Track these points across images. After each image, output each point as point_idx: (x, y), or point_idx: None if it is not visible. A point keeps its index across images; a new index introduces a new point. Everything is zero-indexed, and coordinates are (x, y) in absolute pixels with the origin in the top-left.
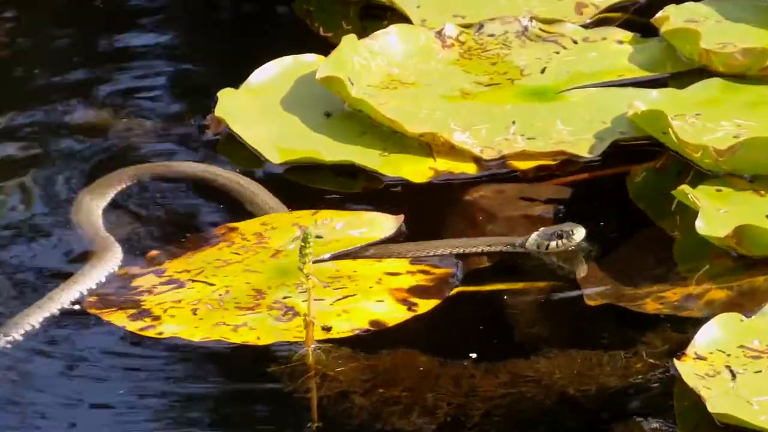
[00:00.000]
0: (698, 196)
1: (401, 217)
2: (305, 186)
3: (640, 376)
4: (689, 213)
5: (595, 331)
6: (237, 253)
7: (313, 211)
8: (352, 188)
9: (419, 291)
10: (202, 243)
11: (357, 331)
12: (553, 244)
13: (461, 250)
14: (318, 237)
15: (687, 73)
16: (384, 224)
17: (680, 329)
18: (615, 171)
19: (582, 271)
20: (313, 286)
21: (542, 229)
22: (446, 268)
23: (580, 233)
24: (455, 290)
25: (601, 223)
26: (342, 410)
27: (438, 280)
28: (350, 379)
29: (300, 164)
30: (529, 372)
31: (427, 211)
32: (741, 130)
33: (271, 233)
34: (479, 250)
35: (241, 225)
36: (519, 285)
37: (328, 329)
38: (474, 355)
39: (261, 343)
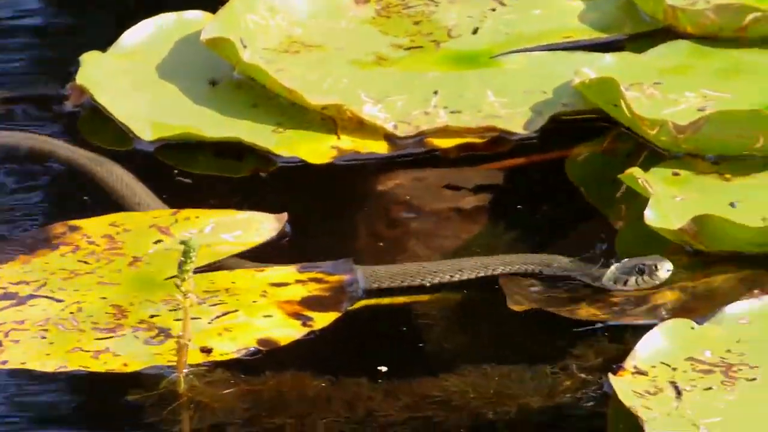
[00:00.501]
0: (650, 180)
1: (284, 216)
2: (181, 170)
3: (568, 395)
4: (640, 200)
5: (517, 342)
6: (86, 262)
7: (173, 210)
8: (237, 172)
9: (313, 303)
10: (38, 245)
11: (242, 353)
12: (632, 280)
13: (515, 269)
14: (183, 243)
15: (649, 34)
16: (262, 226)
17: (619, 339)
18: (556, 155)
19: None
20: (191, 305)
21: (624, 260)
22: (341, 274)
23: (665, 269)
24: (360, 303)
25: (536, 214)
26: None
27: (333, 289)
28: (228, 408)
29: (177, 142)
30: (437, 392)
31: (330, 203)
32: (708, 103)
33: (125, 237)
34: (538, 270)
35: (85, 224)
36: (433, 295)
37: (208, 351)
38: (384, 368)
39: (129, 370)
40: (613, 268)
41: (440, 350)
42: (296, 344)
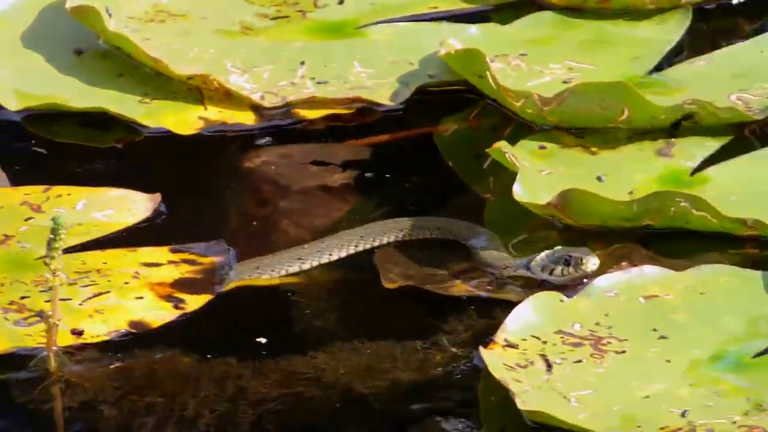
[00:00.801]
0: (517, 154)
1: (158, 196)
2: (48, 139)
3: (439, 369)
4: (507, 174)
5: (389, 320)
6: None
7: (45, 186)
8: (103, 142)
9: (186, 285)
10: None
11: (113, 335)
12: (558, 270)
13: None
14: (52, 220)
15: (514, 5)
16: (135, 205)
17: (490, 314)
18: (423, 130)
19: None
20: (61, 284)
21: (555, 249)
22: (214, 256)
23: (591, 263)
24: (232, 285)
25: (405, 188)
26: (87, 422)
27: (206, 271)
28: (98, 387)
29: (43, 112)
30: (308, 369)
31: (199, 178)
32: (572, 74)
33: None
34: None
35: None
36: (307, 275)
37: (79, 333)
38: (263, 340)
39: None
40: (543, 254)
41: (312, 329)
42: (169, 324)
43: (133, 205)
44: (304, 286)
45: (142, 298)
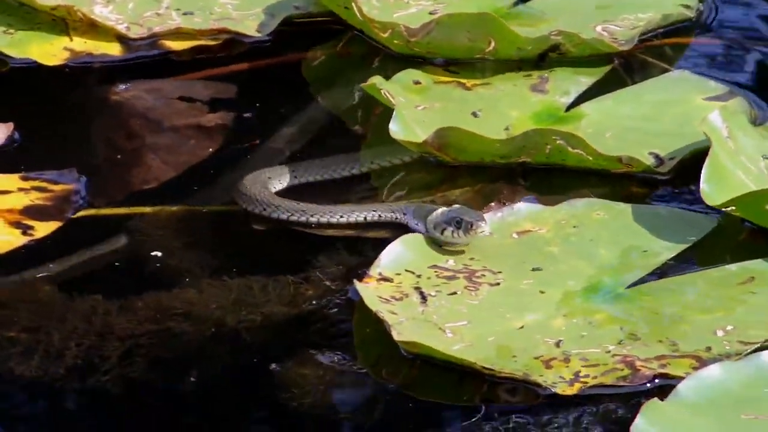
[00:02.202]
0: (392, 90)
1: (10, 126)
2: None
3: (313, 303)
4: (378, 105)
5: (259, 256)
6: None
7: None
8: None
9: (35, 212)
10: None
11: None
12: (448, 231)
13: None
14: None
15: None
16: None
17: (362, 252)
18: (290, 58)
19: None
20: None
21: (453, 208)
22: (67, 183)
23: (480, 229)
24: (82, 213)
25: (274, 122)
26: None
27: (57, 198)
28: None
29: None
30: (176, 304)
31: (64, 109)
32: (438, 6)
33: None
34: (362, 218)
35: None
36: (160, 208)
37: None
38: (158, 254)
39: None
40: (439, 211)
41: (173, 266)
42: (24, 253)
43: None
44: (164, 220)
45: None
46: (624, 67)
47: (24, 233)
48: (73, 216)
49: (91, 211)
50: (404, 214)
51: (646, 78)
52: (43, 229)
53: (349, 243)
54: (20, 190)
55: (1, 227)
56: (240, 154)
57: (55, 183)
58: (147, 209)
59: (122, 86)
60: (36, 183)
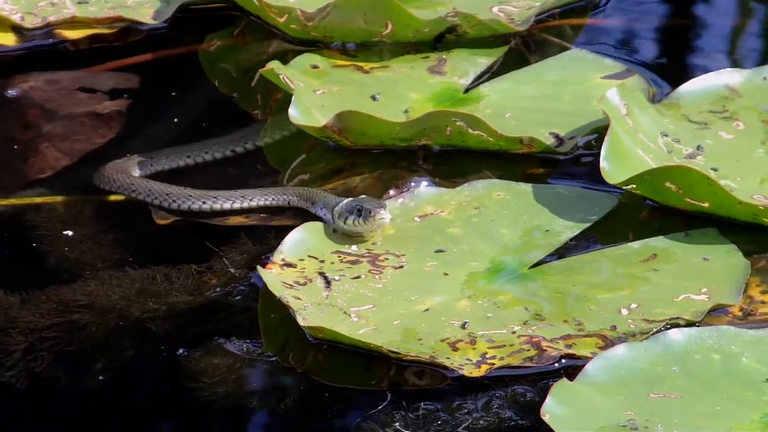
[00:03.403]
0: (290, 74)
1: None
2: None
3: (218, 290)
4: (276, 91)
5: (161, 249)
6: None
7: None
8: None
9: None
10: None
11: None
12: (350, 219)
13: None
14: None
15: None
16: None
17: (265, 240)
18: (185, 49)
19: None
20: None
21: (359, 198)
22: None
23: (379, 217)
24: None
25: (172, 110)
26: None
27: None
28: None
29: None
30: (79, 297)
31: None
32: None
33: None
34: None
35: None
36: (52, 198)
37: None
38: (70, 233)
39: None
40: (344, 202)
41: (71, 260)
42: None
43: None
44: (60, 211)
45: None
46: (521, 48)
47: None
48: None
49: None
50: (311, 203)
51: (543, 58)
52: None
53: (252, 232)
54: None
55: None
56: (133, 143)
57: None
58: (39, 199)
59: (12, 92)
60: None
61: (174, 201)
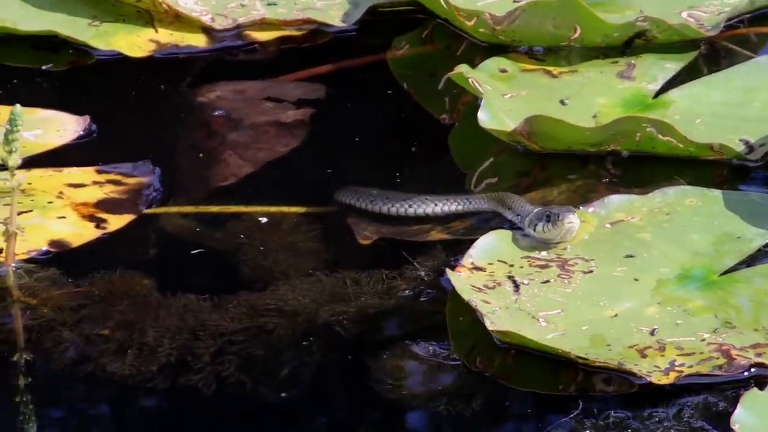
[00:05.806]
0: (479, 78)
1: (86, 118)
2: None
3: (407, 293)
4: (463, 94)
5: (354, 259)
6: None
7: None
8: (56, 64)
9: (109, 205)
10: None
11: (33, 254)
12: (540, 226)
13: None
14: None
15: None
16: (64, 126)
17: (458, 250)
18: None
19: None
20: (19, 185)
21: (549, 207)
22: (141, 176)
23: (567, 220)
24: (161, 209)
25: (360, 119)
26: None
27: (132, 192)
28: (56, 307)
29: None
30: (268, 301)
31: (148, 102)
32: None
33: None
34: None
35: None
36: (257, 208)
37: None
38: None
39: None
40: (535, 210)
41: (262, 266)
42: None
43: (62, 127)
44: (249, 221)
45: (64, 217)
46: (709, 54)
47: (97, 227)
48: (146, 210)
49: (172, 209)
50: (509, 209)
51: (732, 64)
52: (116, 222)
53: (448, 245)
54: (95, 183)
55: (75, 220)
56: (317, 152)
57: (130, 176)
58: (232, 208)
59: (217, 112)
60: (110, 176)
61: (373, 203)
